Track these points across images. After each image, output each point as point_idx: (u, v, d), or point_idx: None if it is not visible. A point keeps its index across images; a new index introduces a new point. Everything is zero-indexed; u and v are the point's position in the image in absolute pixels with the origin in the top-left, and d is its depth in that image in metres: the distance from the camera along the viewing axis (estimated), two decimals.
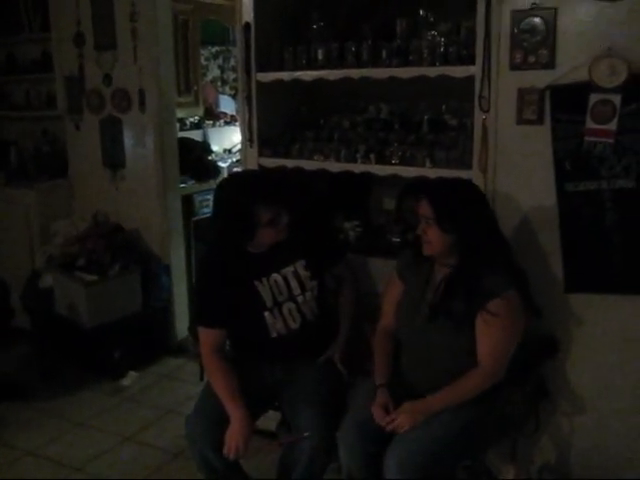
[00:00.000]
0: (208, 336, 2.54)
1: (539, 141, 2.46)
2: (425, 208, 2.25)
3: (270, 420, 2.79)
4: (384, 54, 2.77)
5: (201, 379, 2.85)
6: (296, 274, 2.54)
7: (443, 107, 2.96)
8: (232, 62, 6.19)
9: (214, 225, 2.56)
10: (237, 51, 3.17)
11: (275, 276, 2.52)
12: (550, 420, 2.66)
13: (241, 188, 2.46)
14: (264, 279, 2.51)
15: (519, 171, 2.53)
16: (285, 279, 2.53)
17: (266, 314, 2.51)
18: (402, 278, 2.47)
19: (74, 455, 3.22)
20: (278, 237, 2.46)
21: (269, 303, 2.51)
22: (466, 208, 2.26)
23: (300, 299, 2.54)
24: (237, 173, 3.21)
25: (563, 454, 2.68)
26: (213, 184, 4.88)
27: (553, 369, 2.61)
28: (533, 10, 2.38)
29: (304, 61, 2.99)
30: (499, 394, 2.26)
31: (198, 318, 2.62)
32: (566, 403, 2.64)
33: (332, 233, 2.97)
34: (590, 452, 2.63)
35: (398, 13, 2.81)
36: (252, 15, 3.02)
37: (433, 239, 2.25)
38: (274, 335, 2.53)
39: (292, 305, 2.53)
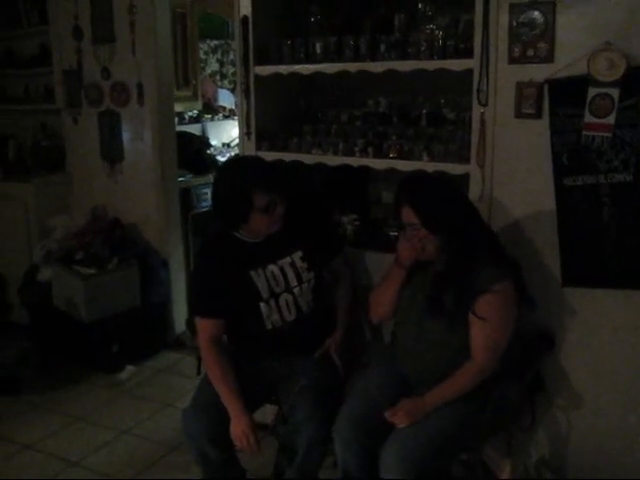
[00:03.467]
0: (205, 326, 2.54)
1: (537, 135, 2.45)
2: (409, 215, 2.24)
3: (265, 414, 2.80)
4: (382, 48, 2.76)
5: (198, 373, 2.85)
6: (293, 265, 2.54)
7: (442, 101, 2.95)
8: (231, 56, 6.19)
9: (213, 207, 2.55)
10: (235, 45, 3.17)
11: (272, 267, 2.52)
12: (546, 414, 2.66)
13: (240, 170, 2.49)
14: (260, 269, 2.51)
15: (517, 165, 2.53)
16: (282, 270, 2.52)
17: (261, 305, 2.51)
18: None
19: (72, 449, 3.22)
20: (272, 227, 2.45)
21: (265, 294, 2.51)
22: (451, 210, 2.25)
23: (297, 290, 2.53)
24: (238, 157, 3.21)
25: (559, 448, 2.68)
26: (211, 178, 4.87)
27: (549, 363, 2.61)
28: (532, 4, 2.37)
29: (302, 55, 2.99)
30: (495, 388, 2.26)
31: (194, 307, 2.63)
32: (562, 397, 2.64)
33: (330, 227, 2.96)
34: (585, 446, 2.63)
35: (397, 7, 2.81)
36: (250, 9, 3.01)
37: (423, 243, 2.24)
38: (269, 327, 2.53)
39: (289, 297, 2.53)
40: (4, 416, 3.54)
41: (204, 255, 2.69)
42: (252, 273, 2.50)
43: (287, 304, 2.53)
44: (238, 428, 2.35)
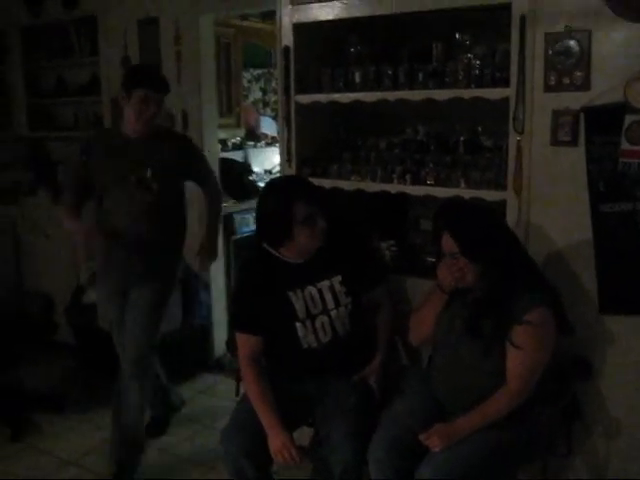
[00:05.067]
0: (245, 342, 2.60)
1: (573, 162, 2.47)
2: (449, 243, 2.27)
3: (302, 436, 2.82)
4: (420, 77, 2.81)
5: (236, 395, 2.91)
6: (332, 289, 2.58)
7: (479, 129, 2.99)
8: (274, 84, 6.30)
9: (257, 226, 2.62)
10: (277, 74, 3.26)
11: (310, 288, 2.57)
12: (584, 442, 2.63)
13: (281, 185, 2.64)
14: (298, 290, 2.56)
15: (553, 192, 2.54)
16: (320, 292, 2.57)
17: (298, 325, 2.56)
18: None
19: (111, 466, 3.28)
20: (314, 242, 2.50)
21: (301, 315, 2.56)
22: (491, 239, 2.28)
23: (334, 313, 2.57)
24: (280, 176, 3.29)
25: (597, 478, 2.65)
26: (253, 204, 4.95)
27: (587, 391, 2.59)
28: (568, 32, 2.40)
29: (342, 83, 3.06)
30: (529, 413, 2.26)
31: (235, 323, 2.71)
32: (600, 425, 2.61)
33: (373, 256, 2.97)
34: (624, 476, 2.59)
35: (434, 36, 2.87)
36: (291, 39, 3.10)
37: (464, 271, 2.26)
38: (305, 346, 2.57)
39: (325, 319, 2.57)
40: (48, 432, 3.64)
41: (245, 273, 2.77)
42: (290, 293, 2.55)
43: (323, 326, 2.57)
44: (277, 442, 2.39)
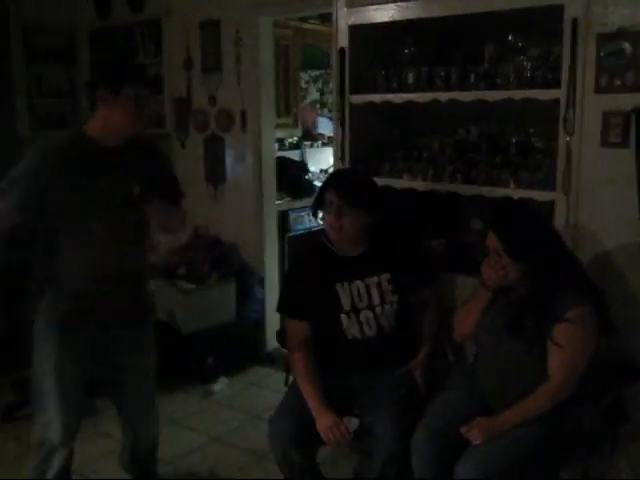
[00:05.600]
0: (294, 327, 2.70)
1: (624, 164, 2.48)
2: (493, 241, 2.32)
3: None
4: (472, 78, 2.86)
5: (285, 384, 2.99)
6: (379, 285, 2.65)
7: (531, 130, 3.01)
8: (331, 85, 6.37)
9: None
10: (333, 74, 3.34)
11: (358, 283, 2.64)
12: (629, 445, 2.63)
13: (332, 172, 2.82)
14: (346, 283, 2.64)
15: (602, 193, 2.56)
16: (367, 288, 2.65)
17: (342, 316, 2.64)
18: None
19: (166, 450, 3.39)
20: (333, 229, 2.60)
21: (346, 307, 2.63)
22: (534, 238, 2.31)
23: (378, 310, 2.64)
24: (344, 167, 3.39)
25: None
26: (308, 202, 5.07)
27: (634, 394, 2.58)
28: (620, 34, 2.42)
29: (395, 84, 3.13)
30: (571, 411, 2.28)
31: (285, 309, 2.80)
32: None
33: (424, 257, 3.00)
34: None
35: (487, 38, 2.90)
36: (347, 41, 3.18)
37: (507, 270, 2.30)
38: (349, 337, 2.65)
39: (370, 314, 2.64)
40: (108, 415, 3.77)
41: (298, 261, 2.90)
42: (338, 285, 2.64)
43: (367, 320, 2.64)
44: (326, 421, 2.47)
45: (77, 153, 2.41)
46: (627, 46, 2.41)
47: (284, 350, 3.11)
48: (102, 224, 2.45)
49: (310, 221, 5.06)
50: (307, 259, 2.79)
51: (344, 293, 2.64)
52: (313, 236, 2.80)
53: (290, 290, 2.79)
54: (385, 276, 2.67)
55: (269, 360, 4.53)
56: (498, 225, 2.33)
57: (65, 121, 5.41)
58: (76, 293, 2.48)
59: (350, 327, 2.64)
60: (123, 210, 2.48)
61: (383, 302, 2.65)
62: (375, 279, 2.66)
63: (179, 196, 2.75)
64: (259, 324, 4.58)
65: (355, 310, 2.64)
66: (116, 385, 2.77)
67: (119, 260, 2.51)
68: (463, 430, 2.27)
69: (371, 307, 2.64)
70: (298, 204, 5.08)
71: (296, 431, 2.49)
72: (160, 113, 5.04)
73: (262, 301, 4.57)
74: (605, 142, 2.51)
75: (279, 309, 2.82)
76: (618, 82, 2.44)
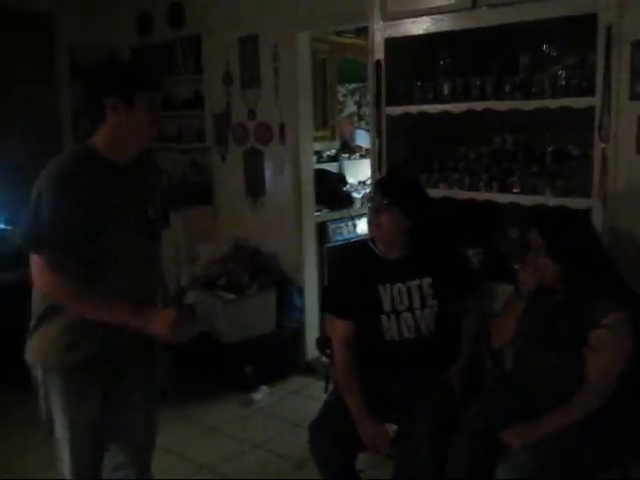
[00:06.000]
0: (339, 326, 2.76)
1: None
2: (536, 237, 2.36)
3: None
4: (507, 87, 2.89)
5: (325, 392, 3.04)
6: (420, 289, 2.71)
7: (567, 138, 3.02)
8: (368, 98, 6.43)
9: None
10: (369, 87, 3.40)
11: (400, 285, 2.70)
12: None
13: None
14: (388, 285, 2.70)
15: (639, 199, 2.56)
16: (409, 291, 2.71)
17: (383, 317, 2.69)
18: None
19: (208, 455, 3.49)
20: (372, 226, 2.73)
21: (387, 308, 2.69)
22: (575, 239, 2.34)
23: (418, 313, 2.69)
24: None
25: None
26: (346, 213, 5.15)
27: None
28: None
29: (431, 95, 3.18)
30: (609, 417, 2.29)
31: (330, 307, 2.88)
32: None
33: (466, 264, 3.06)
34: None
35: (522, 48, 2.94)
36: (383, 53, 3.24)
37: (543, 267, 2.33)
38: (387, 339, 2.70)
39: (409, 316, 2.70)
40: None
41: (342, 262, 2.99)
42: (380, 287, 2.70)
43: (407, 322, 2.70)
44: (369, 431, 2.53)
45: (89, 171, 2.10)
46: None
47: (324, 359, 3.17)
48: (126, 249, 2.20)
49: (349, 232, 5.12)
50: (351, 261, 2.88)
51: (386, 294, 2.69)
52: (355, 243, 2.86)
53: (335, 290, 2.89)
54: (427, 280, 2.72)
55: (309, 369, 4.58)
56: (542, 223, 2.39)
57: None
58: (92, 330, 2.16)
59: (389, 328, 2.69)
60: (142, 234, 2.26)
61: (423, 305, 2.69)
62: (417, 282, 2.72)
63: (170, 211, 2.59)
64: (298, 334, 4.64)
65: (395, 312, 2.69)
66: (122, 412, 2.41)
67: (139, 289, 2.27)
68: (502, 435, 2.30)
69: (411, 310, 2.69)
70: (336, 215, 5.13)
71: (337, 436, 2.54)
72: (200, 128, 5.17)
73: (301, 311, 4.63)
74: None
75: (325, 308, 2.89)
76: None
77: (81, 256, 2.11)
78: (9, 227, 4.58)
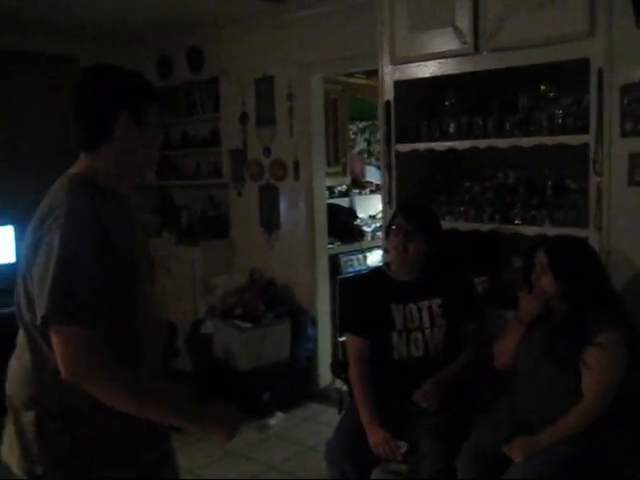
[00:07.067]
0: (354, 344, 2.93)
1: None
2: (541, 256, 2.56)
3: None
4: (508, 126, 3.10)
5: (339, 412, 3.20)
6: (430, 309, 2.89)
7: (565, 173, 3.22)
8: (378, 135, 6.65)
9: None
10: (380, 125, 3.62)
11: (411, 305, 2.90)
12: None
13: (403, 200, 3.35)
14: (400, 305, 2.89)
15: (632, 229, 2.74)
16: (419, 310, 2.89)
17: (394, 335, 2.87)
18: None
19: (227, 476, 3.64)
20: (395, 251, 2.88)
21: (399, 326, 2.87)
22: (578, 260, 2.53)
23: (427, 332, 2.87)
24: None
25: None
26: (357, 246, 5.34)
27: None
28: None
29: (438, 133, 3.38)
30: (604, 432, 2.44)
31: (346, 325, 3.07)
32: None
33: (474, 291, 3.20)
34: None
35: (521, 89, 3.15)
36: (392, 94, 3.47)
37: (545, 285, 2.52)
38: (396, 357, 2.86)
39: (419, 335, 2.87)
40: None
41: (357, 283, 3.20)
42: (392, 306, 2.89)
43: (416, 341, 2.87)
44: (378, 436, 2.68)
45: (109, 208, 1.72)
46: None
47: (338, 382, 3.32)
48: (150, 305, 1.84)
49: (360, 264, 5.31)
50: (367, 283, 3.09)
51: (398, 313, 2.88)
52: (370, 270, 3.04)
53: (351, 309, 3.08)
54: (436, 301, 2.90)
55: (323, 396, 4.73)
56: (548, 244, 2.61)
57: None
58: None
59: (399, 346, 2.86)
60: (152, 280, 1.94)
61: (432, 325, 2.87)
62: (427, 303, 2.90)
63: None
64: (312, 362, 4.81)
65: (407, 330, 2.87)
66: None
67: (159, 354, 1.93)
68: (505, 449, 2.46)
69: (421, 329, 2.87)
70: (348, 248, 5.32)
71: (351, 450, 2.70)
72: (217, 163, 5.39)
73: (315, 340, 4.80)
74: (632, 181, 2.71)
75: (342, 328, 3.07)
76: None
77: (120, 323, 1.67)
78: None
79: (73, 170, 1.77)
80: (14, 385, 1.76)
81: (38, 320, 1.58)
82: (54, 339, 1.58)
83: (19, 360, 1.76)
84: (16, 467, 1.73)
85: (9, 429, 1.76)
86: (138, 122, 1.75)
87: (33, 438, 1.69)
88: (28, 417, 1.69)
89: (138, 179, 1.96)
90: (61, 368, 1.58)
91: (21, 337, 1.75)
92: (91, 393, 1.60)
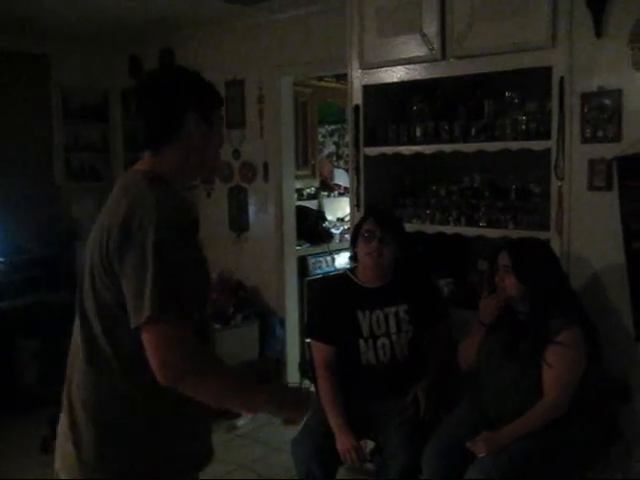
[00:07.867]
0: (320, 350, 2.96)
1: (608, 205, 2.77)
2: (504, 258, 2.63)
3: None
4: (473, 131, 3.18)
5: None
6: (397, 315, 2.93)
7: (529, 177, 3.30)
8: (346, 139, 6.72)
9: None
10: (348, 129, 3.67)
11: (378, 312, 2.92)
12: (623, 465, 2.84)
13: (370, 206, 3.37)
14: (367, 312, 2.92)
15: (591, 232, 2.84)
16: (386, 317, 2.92)
17: (361, 342, 2.90)
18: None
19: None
20: (369, 257, 2.89)
21: (365, 333, 2.90)
22: (539, 262, 2.61)
23: (394, 337, 2.91)
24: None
25: None
26: (326, 248, 5.39)
27: (627, 416, 2.81)
28: (601, 93, 2.74)
29: (405, 137, 3.45)
30: (566, 427, 2.52)
31: (312, 332, 3.08)
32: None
33: (438, 294, 3.27)
34: None
35: (487, 95, 3.23)
36: (361, 99, 3.52)
37: (508, 285, 2.59)
38: (364, 362, 2.90)
39: (386, 341, 2.91)
40: None
41: (323, 289, 3.22)
42: (359, 313, 2.92)
43: (383, 346, 2.91)
44: (346, 443, 2.72)
45: (186, 205, 1.77)
46: (607, 102, 2.72)
47: (306, 383, 3.36)
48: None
49: (328, 266, 5.36)
50: (333, 290, 3.12)
51: (364, 320, 2.91)
52: (335, 275, 3.06)
53: (318, 317, 3.10)
54: (403, 307, 2.94)
55: None
56: (511, 246, 2.69)
57: (98, 173, 5.81)
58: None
59: (366, 352, 2.90)
60: None
61: (399, 330, 2.91)
62: (393, 309, 2.94)
63: None
64: (280, 362, 4.84)
65: (373, 336, 2.90)
66: None
67: None
68: (468, 445, 2.52)
69: (388, 335, 2.91)
70: (316, 250, 5.38)
71: (318, 450, 2.74)
72: None
73: (283, 341, 4.84)
74: (591, 186, 2.81)
75: (309, 334, 3.09)
76: (601, 134, 2.75)
77: (199, 310, 1.68)
78: None
79: (141, 167, 1.75)
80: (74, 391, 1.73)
81: (134, 323, 1.53)
82: (154, 340, 1.52)
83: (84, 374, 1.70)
84: (66, 475, 1.73)
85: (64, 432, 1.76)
86: (206, 123, 1.76)
87: (90, 448, 1.67)
88: (90, 431, 1.67)
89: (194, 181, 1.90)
90: (162, 371, 1.52)
91: (80, 341, 1.70)
92: (192, 388, 1.57)
